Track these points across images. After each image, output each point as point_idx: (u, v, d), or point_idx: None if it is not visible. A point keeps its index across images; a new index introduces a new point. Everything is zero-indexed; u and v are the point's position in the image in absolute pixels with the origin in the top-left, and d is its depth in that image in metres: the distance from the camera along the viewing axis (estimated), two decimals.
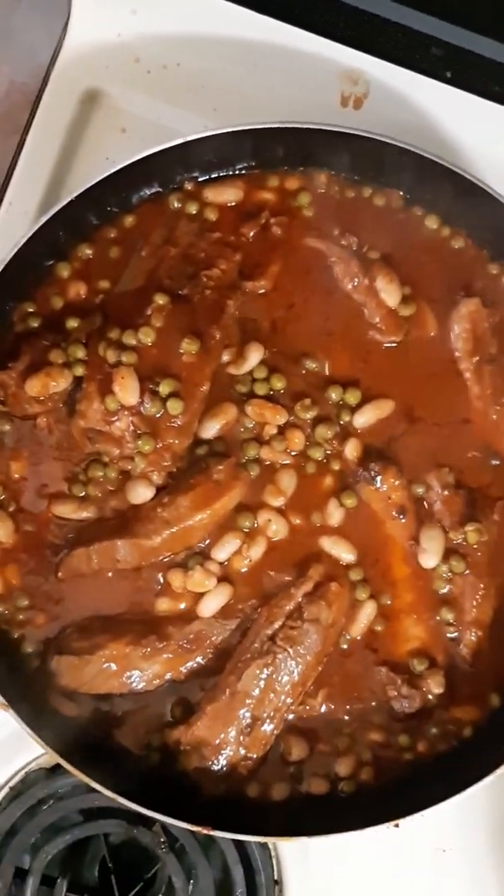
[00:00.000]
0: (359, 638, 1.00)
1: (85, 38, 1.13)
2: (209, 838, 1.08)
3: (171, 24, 1.13)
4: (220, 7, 1.11)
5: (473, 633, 1.01)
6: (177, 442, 0.98)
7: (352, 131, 0.99)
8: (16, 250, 0.96)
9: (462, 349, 1.03)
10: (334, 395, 1.02)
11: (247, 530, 0.99)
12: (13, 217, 1.10)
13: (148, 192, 1.05)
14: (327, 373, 1.03)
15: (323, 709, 0.99)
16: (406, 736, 1.00)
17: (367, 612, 1.00)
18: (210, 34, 1.13)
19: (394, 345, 1.04)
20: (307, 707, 0.99)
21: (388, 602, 1.01)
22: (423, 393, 1.04)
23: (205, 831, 0.92)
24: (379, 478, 1.00)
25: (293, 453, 1.01)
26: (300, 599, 0.98)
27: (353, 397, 1.02)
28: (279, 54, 1.13)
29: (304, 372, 1.02)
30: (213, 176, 1.06)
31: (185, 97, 1.14)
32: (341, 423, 1.02)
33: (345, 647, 1.00)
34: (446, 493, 1.01)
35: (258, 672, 0.96)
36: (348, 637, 1.00)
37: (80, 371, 0.98)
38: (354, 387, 1.02)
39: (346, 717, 1.00)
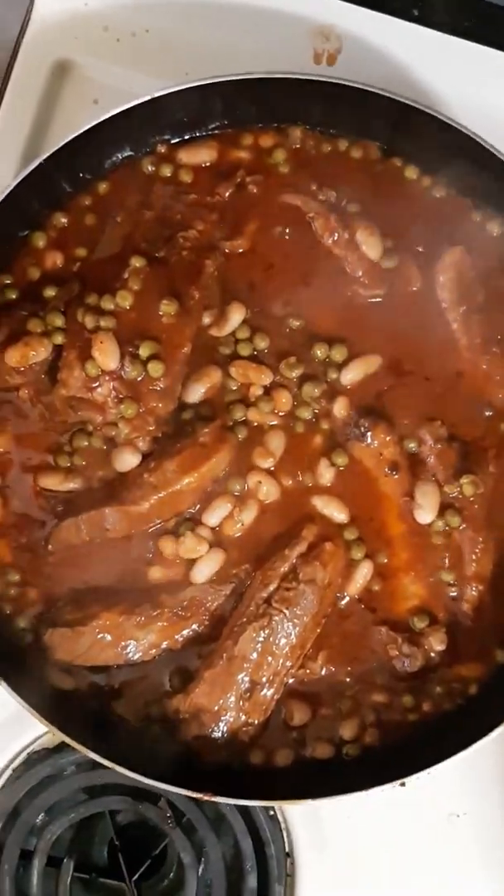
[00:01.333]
0: (357, 598, 0.98)
1: (52, 8, 1.12)
2: (217, 813, 1.06)
3: None
4: None
5: (474, 588, 0.98)
6: (160, 405, 0.96)
7: (322, 78, 0.97)
8: None
9: (448, 299, 1.01)
10: (320, 352, 1.00)
11: (237, 494, 0.98)
12: None
13: (120, 156, 1.03)
14: (312, 330, 1.01)
15: (323, 671, 0.97)
16: (410, 696, 0.98)
17: (364, 571, 0.98)
18: None
19: (378, 299, 1.02)
20: (307, 670, 0.97)
21: (385, 560, 0.99)
22: (411, 347, 1.02)
23: (206, 798, 0.91)
24: (369, 434, 0.98)
25: (280, 414, 0.99)
26: (294, 561, 0.96)
27: (339, 354, 1.00)
28: (250, 14, 1.12)
29: (287, 330, 1.01)
30: (185, 137, 1.04)
31: (157, 64, 1.12)
32: (328, 380, 1.00)
33: (343, 607, 0.98)
34: (439, 446, 0.99)
35: (255, 635, 0.94)
36: (346, 597, 0.98)
37: (59, 339, 0.97)
38: (340, 343, 1.00)
39: (348, 680, 0.98)
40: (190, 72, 1.12)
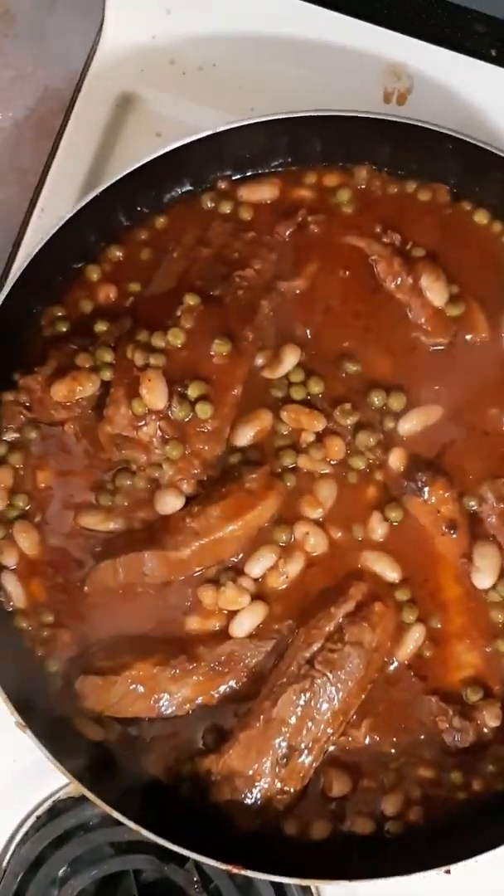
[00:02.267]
0: (406, 664, 0.92)
1: (119, 41, 1.11)
2: (247, 880, 1.00)
3: (206, 24, 1.10)
4: (257, 5, 1.08)
5: None
6: (207, 448, 0.93)
7: (392, 118, 0.94)
8: (40, 247, 0.93)
9: None
10: (377, 399, 0.95)
11: (283, 544, 0.93)
12: (45, 223, 1.07)
13: (180, 191, 1.01)
14: (370, 376, 0.96)
15: (367, 741, 0.91)
16: (459, 773, 0.91)
17: (415, 635, 0.92)
18: (246, 32, 1.10)
19: (441, 347, 0.97)
20: (350, 738, 0.91)
21: (439, 625, 0.93)
22: (475, 399, 0.96)
23: (235, 870, 0.85)
24: (427, 489, 0.93)
25: (333, 462, 0.95)
26: (341, 620, 0.91)
27: (397, 402, 0.95)
28: (319, 51, 1.09)
29: (344, 375, 0.96)
30: (247, 174, 1.01)
31: (222, 98, 1.10)
32: (385, 430, 0.95)
33: (391, 673, 0.92)
34: (502, 505, 0.93)
35: (295, 698, 0.89)
36: (394, 663, 0.92)
37: (107, 375, 0.94)
38: (399, 391, 0.95)
39: (393, 751, 0.92)
40: (255, 107, 1.10)
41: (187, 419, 0.92)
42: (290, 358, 0.95)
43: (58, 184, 1.10)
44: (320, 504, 0.94)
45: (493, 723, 0.90)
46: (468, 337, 0.97)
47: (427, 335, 0.97)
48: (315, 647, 0.90)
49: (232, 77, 1.11)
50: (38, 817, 1.03)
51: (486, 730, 0.90)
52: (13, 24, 1.06)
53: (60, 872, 1.02)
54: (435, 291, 0.96)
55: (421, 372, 0.97)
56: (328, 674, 0.89)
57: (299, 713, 0.88)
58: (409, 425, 0.95)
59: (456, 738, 0.90)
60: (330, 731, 0.89)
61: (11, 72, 1.08)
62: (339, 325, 0.97)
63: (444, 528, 0.93)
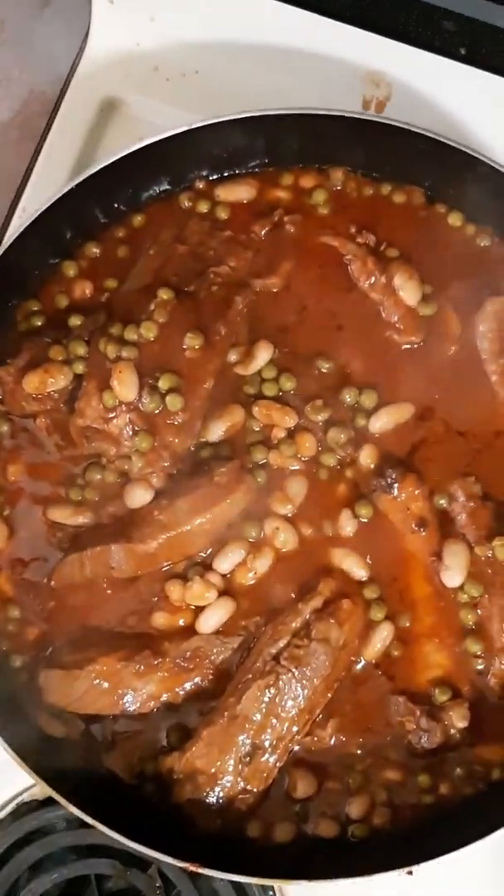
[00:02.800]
0: (374, 663, 0.91)
1: (104, 46, 1.13)
2: (211, 888, 0.97)
3: (189, 31, 1.12)
4: (239, 13, 1.10)
5: (503, 662, 0.90)
6: (177, 441, 0.92)
7: (367, 117, 0.96)
8: (13, 239, 0.94)
9: (488, 350, 0.96)
10: (349, 397, 0.95)
11: (252, 540, 0.92)
12: (27, 220, 1.07)
13: (157, 190, 1.02)
14: (341, 375, 0.96)
15: (333, 741, 0.90)
16: (427, 776, 0.89)
17: (383, 634, 0.91)
18: (229, 40, 1.12)
19: (413, 346, 0.98)
20: (315, 738, 0.90)
21: (407, 624, 0.92)
22: (447, 398, 0.97)
23: (193, 868, 0.83)
24: (396, 486, 0.92)
25: (303, 458, 0.94)
26: (308, 616, 0.90)
27: (369, 400, 0.95)
28: (301, 59, 1.11)
29: (316, 373, 0.96)
30: (224, 174, 1.03)
31: (204, 105, 1.11)
32: (356, 427, 0.95)
33: (358, 672, 0.91)
34: (472, 504, 0.93)
35: (259, 694, 0.87)
36: (362, 661, 0.91)
37: (80, 368, 0.94)
38: (371, 389, 0.95)
39: (359, 752, 0.90)
40: (236, 111, 1.11)
41: (157, 411, 0.92)
42: (263, 354, 0.96)
43: (40, 185, 1.11)
44: (290, 500, 0.93)
45: (461, 724, 0.88)
46: (440, 336, 0.97)
47: (400, 334, 0.97)
48: (281, 643, 0.89)
49: (214, 83, 1.13)
50: (1, 820, 1.01)
51: (453, 731, 0.89)
52: (2, 29, 1.07)
53: (20, 876, 1.00)
54: (408, 291, 0.96)
55: (393, 370, 0.97)
56: (294, 670, 0.87)
57: (264, 710, 0.87)
58: (380, 423, 0.95)
59: (423, 739, 0.89)
60: (295, 729, 0.88)
61: None
62: (313, 324, 0.98)
63: (413, 525, 0.92)
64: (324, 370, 0.96)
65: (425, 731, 0.89)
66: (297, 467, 0.94)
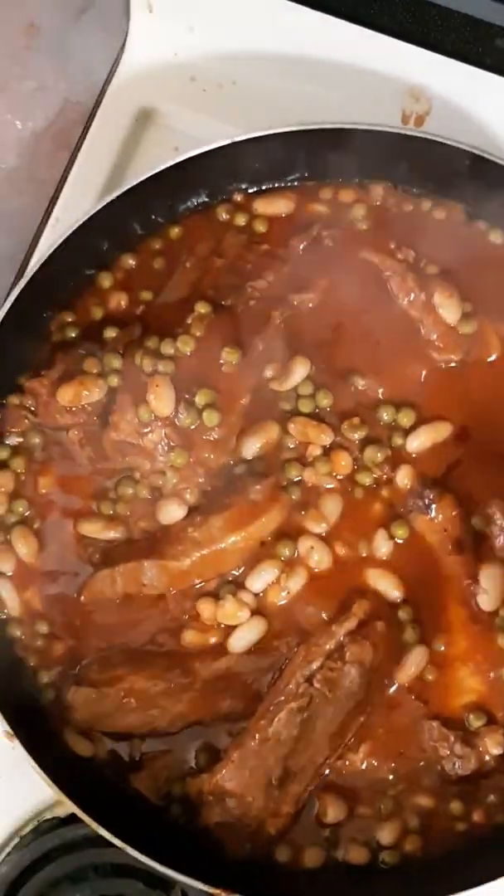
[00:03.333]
0: (407, 687, 0.89)
1: (142, 56, 1.13)
2: None
3: (228, 42, 1.11)
4: (279, 24, 1.09)
5: None
6: (212, 457, 0.91)
7: (408, 132, 0.95)
8: (52, 251, 0.93)
9: None
10: (386, 415, 0.94)
11: (285, 559, 0.91)
12: (60, 233, 1.06)
13: (195, 202, 1.01)
14: (379, 392, 0.95)
15: (364, 766, 0.88)
16: (459, 802, 0.88)
17: (418, 657, 0.89)
18: (267, 51, 1.11)
19: (452, 365, 0.96)
20: (347, 762, 0.88)
21: (442, 648, 0.90)
22: (486, 418, 0.95)
23: (223, 894, 0.81)
24: (434, 507, 0.91)
25: (339, 477, 0.93)
26: (342, 638, 0.88)
27: (406, 418, 0.94)
28: (340, 72, 1.10)
29: (353, 390, 0.95)
30: (263, 187, 1.02)
31: (241, 116, 1.11)
32: (393, 446, 0.93)
33: (391, 695, 0.89)
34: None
35: (291, 717, 0.86)
36: (395, 685, 0.89)
37: (115, 381, 0.93)
38: (408, 408, 0.94)
39: (391, 777, 0.89)
40: (274, 125, 1.09)
41: (193, 427, 0.91)
42: (300, 370, 0.94)
43: (74, 195, 1.10)
44: (325, 519, 0.92)
45: (496, 750, 0.87)
46: (480, 355, 0.96)
47: (439, 352, 0.96)
48: (314, 666, 0.87)
49: (252, 95, 1.12)
50: (22, 837, 1.00)
51: (487, 757, 0.87)
52: (37, 37, 1.07)
53: (42, 894, 0.98)
54: (448, 308, 0.95)
55: (432, 389, 0.95)
56: (327, 693, 0.86)
57: (296, 733, 0.85)
58: (418, 442, 0.93)
59: (457, 766, 0.87)
60: (327, 753, 0.86)
61: (33, 83, 1.08)
62: (350, 340, 0.96)
63: (450, 547, 0.91)
64: (361, 387, 0.95)
65: (459, 758, 0.87)
66: (332, 486, 0.93)
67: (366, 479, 0.93)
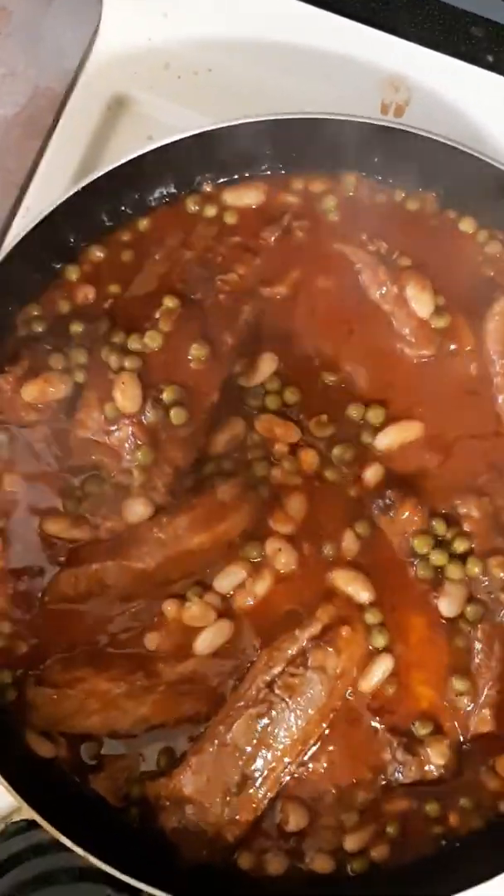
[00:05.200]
0: (370, 694, 0.87)
1: (115, 42, 1.10)
2: None
3: (203, 29, 1.08)
4: (256, 12, 1.06)
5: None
6: (180, 455, 0.89)
7: (380, 122, 0.91)
8: (15, 243, 0.91)
9: (494, 350, 0.92)
10: (355, 413, 0.91)
11: (254, 560, 0.89)
12: (30, 222, 1.04)
13: (164, 192, 0.99)
14: (349, 388, 0.92)
15: (326, 772, 0.86)
16: (436, 804, 0.86)
17: (384, 665, 0.87)
18: (243, 38, 1.08)
19: (425, 359, 0.93)
20: (308, 770, 0.86)
21: (400, 653, 0.88)
22: (458, 415, 0.93)
23: None
24: (394, 508, 0.88)
25: (306, 475, 0.91)
26: (305, 643, 0.86)
27: (375, 416, 0.91)
28: (318, 60, 1.07)
29: (322, 386, 0.93)
30: (233, 178, 0.99)
31: (216, 104, 1.08)
32: (362, 444, 0.91)
33: (353, 702, 0.87)
34: (472, 527, 0.88)
35: (251, 723, 0.84)
36: (357, 692, 0.87)
37: (80, 378, 0.91)
38: (378, 405, 0.92)
39: (354, 782, 0.86)
40: (249, 114, 1.07)
41: (161, 425, 0.89)
42: (267, 366, 0.92)
43: (45, 184, 1.08)
44: (291, 518, 0.90)
45: (438, 760, 0.84)
46: (453, 348, 0.93)
47: (411, 346, 0.93)
48: (276, 671, 0.85)
49: (227, 83, 1.09)
50: None
51: (430, 767, 0.85)
52: (8, 21, 1.04)
53: None
54: (420, 302, 0.92)
55: (403, 385, 0.93)
56: (287, 699, 0.84)
57: (255, 739, 0.84)
58: (387, 440, 0.91)
59: (398, 772, 0.85)
60: (287, 760, 0.85)
61: (2, 69, 1.06)
62: (321, 334, 0.94)
63: (407, 551, 0.88)
64: (330, 383, 0.93)
65: (400, 764, 0.85)
66: (298, 483, 0.91)
67: (333, 477, 0.90)
